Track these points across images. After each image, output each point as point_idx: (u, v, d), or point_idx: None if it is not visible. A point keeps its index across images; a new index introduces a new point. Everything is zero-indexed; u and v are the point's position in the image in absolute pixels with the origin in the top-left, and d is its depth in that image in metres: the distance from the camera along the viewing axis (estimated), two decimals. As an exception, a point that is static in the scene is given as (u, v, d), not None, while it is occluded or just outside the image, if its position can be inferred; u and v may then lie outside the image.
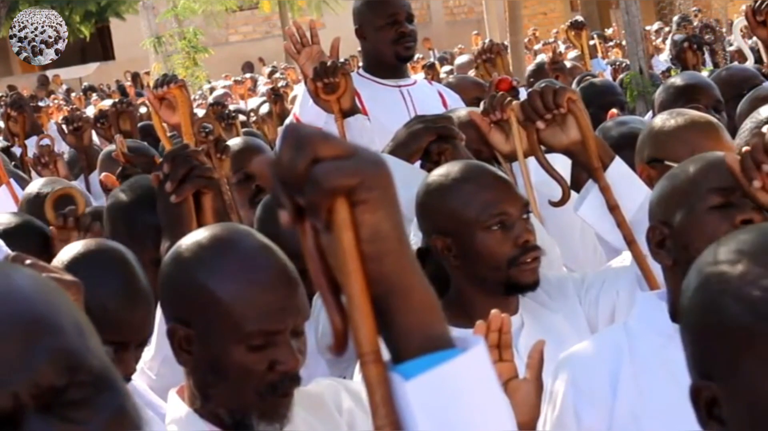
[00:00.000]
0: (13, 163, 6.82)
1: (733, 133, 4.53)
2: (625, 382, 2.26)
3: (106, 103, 13.86)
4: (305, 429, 2.12)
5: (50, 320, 1.15)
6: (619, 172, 2.85)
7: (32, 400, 1.12)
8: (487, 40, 6.36)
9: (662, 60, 12.79)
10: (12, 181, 5.45)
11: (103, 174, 4.47)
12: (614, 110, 5.20)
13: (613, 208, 2.82)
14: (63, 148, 6.96)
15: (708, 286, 1.44)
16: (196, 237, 2.13)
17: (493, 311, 2.35)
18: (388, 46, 4.78)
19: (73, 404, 1.13)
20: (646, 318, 2.31)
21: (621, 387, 2.26)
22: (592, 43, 12.00)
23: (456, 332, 1.18)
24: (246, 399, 2.05)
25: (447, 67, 12.72)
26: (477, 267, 2.69)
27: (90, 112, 14.34)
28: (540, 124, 2.86)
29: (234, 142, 4.14)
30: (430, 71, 10.61)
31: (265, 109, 8.80)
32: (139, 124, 7.33)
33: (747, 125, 3.46)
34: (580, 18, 9.28)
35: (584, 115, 2.85)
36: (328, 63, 4.27)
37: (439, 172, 2.81)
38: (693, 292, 1.47)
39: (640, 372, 2.26)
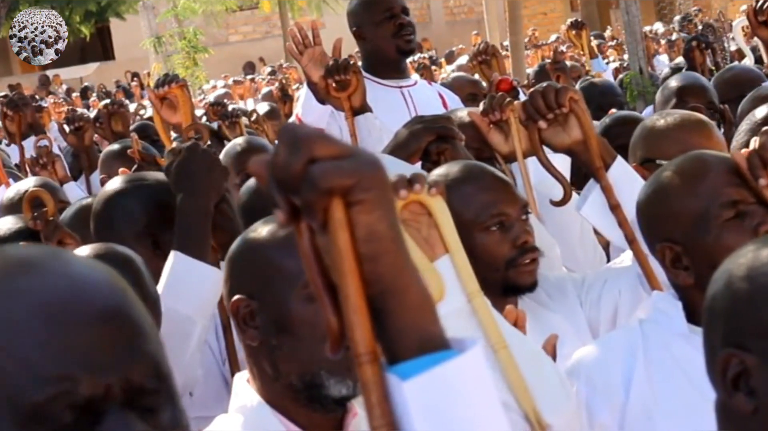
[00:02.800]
0: (14, 162, 6.83)
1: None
2: (638, 380, 2.27)
3: (105, 103, 13.85)
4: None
5: (144, 324, 1.22)
6: (621, 171, 2.85)
7: (122, 394, 1.16)
8: (482, 42, 6.38)
9: (663, 60, 12.79)
10: (11, 181, 5.46)
11: (121, 170, 4.48)
12: (613, 110, 5.22)
13: (615, 207, 2.82)
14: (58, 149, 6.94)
15: (755, 264, 1.48)
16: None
17: (509, 306, 2.36)
18: (389, 41, 4.79)
19: (148, 410, 1.18)
20: (661, 317, 2.31)
21: (634, 385, 2.27)
22: (595, 43, 12.00)
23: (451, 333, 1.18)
24: (314, 354, 2.05)
25: (451, 66, 12.68)
26: (475, 268, 2.69)
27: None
28: (542, 124, 2.86)
29: (237, 143, 4.16)
30: (426, 72, 10.61)
31: (263, 109, 8.81)
32: (135, 125, 7.32)
33: (743, 126, 3.47)
34: (579, 18, 9.29)
35: (586, 115, 2.85)
36: (340, 60, 4.29)
37: (439, 172, 2.81)
38: (733, 273, 1.50)
39: (654, 370, 2.27)
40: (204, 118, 7.35)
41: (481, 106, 3.27)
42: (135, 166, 4.37)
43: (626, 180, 2.84)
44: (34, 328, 1.16)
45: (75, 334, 1.16)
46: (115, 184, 3.09)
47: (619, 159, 2.86)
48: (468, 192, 2.74)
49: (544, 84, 2.98)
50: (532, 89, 2.94)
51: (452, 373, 1.12)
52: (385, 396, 1.10)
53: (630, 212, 2.81)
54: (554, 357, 2.41)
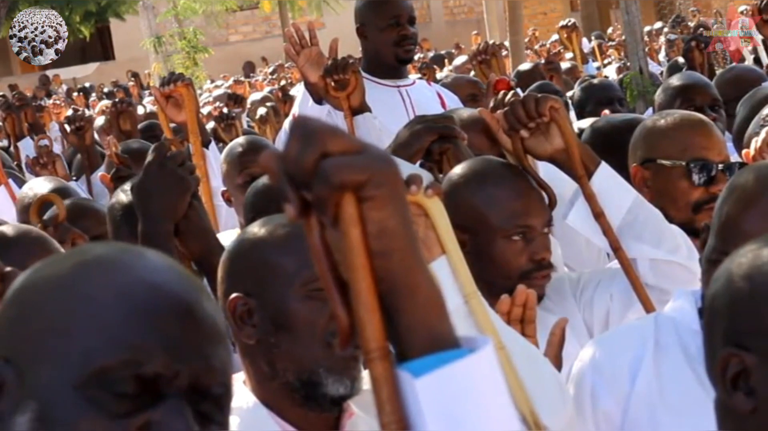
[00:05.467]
0: (15, 162, 6.84)
1: (735, 132, 4.55)
2: (645, 372, 2.26)
3: (104, 103, 13.87)
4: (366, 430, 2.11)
5: (222, 332, 1.27)
6: (605, 177, 2.83)
7: (185, 386, 1.21)
8: (482, 42, 6.39)
9: (661, 59, 12.79)
10: (11, 181, 5.47)
11: (100, 174, 4.49)
12: (606, 111, 5.23)
13: (598, 216, 2.80)
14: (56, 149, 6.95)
15: (756, 263, 1.48)
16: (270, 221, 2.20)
17: (520, 286, 2.38)
18: (389, 48, 4.79)
19: (204, 416, 1.23)
20: (676, 312, 2.31)
21: (641, 376, 2.27)
22: (591, 44, 12.00)
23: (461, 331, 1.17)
24: (312, 352, 2.06)
25: (463, 57, 12.66)
26: (488, 271, 2.69)
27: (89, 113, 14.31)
28: (523, 133, 2.85)
29: (238, 143, 4.15)
30: (427, 71, 10.62)
31: (261, 111, 8.83)
32: (143, 124, 7.33)
33: (752, 127, 3.50)
34: (572, 20, 9.28)
35: (567, 123, 2.84)
36: (339, 60, 4.29)
37: (475, 168, 2.81)
38: (733, 272, 1.50)
39: (662, 364, 2.26)
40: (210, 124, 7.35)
41: (491, 103, 3.26)
42: (114, 170, 4.37)
43: (610, 186, 2.83)
44: (120, 307, 1.21)
45: (158, 320, 1.21)
46: None
47: (603, 165, 2.84)
48: (498, 195, 2.74)
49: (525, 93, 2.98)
50: (512, 99, 2.94)
51: (465, 371, 1.11)
52: (396, 392, 1.10)
53: (615, 219, 2.80)
54: (562, 343, 2.42)
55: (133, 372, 1.19)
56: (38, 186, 4.41)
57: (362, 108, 4.32)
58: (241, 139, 4.24)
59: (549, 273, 2.76)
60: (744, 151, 3.34)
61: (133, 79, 24.17)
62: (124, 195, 3.09)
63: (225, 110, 8.30)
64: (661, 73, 9.19)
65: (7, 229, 2.84)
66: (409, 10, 4.87)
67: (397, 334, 1.13)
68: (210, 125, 7.01)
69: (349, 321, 1.12)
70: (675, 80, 4.59)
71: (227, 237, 3.16)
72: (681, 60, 7.69)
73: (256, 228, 2.17)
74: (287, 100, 8.87)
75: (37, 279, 1.27)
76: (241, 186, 3.84)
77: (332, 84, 4.30)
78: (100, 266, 1.26)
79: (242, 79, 19.85)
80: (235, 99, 9.42)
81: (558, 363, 2.40)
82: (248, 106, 10.32)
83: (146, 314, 1.21)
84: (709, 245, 2.21)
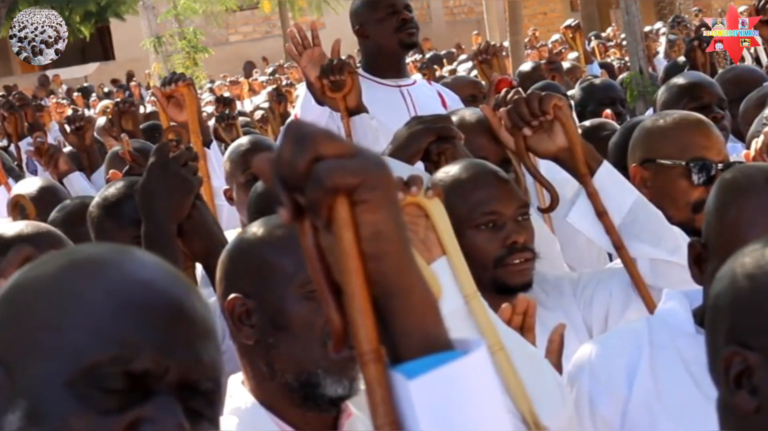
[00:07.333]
0: (15, 162, 6.85)
1: (736, 132, 4.56)
2: (642, 376, 2.27)
3: (105, 103, 13.89)
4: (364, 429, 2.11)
5: (212, 330, 1.28)
6: (607, 176, 2.84)
7: (175, 382, 1.22)
8: (483, 42, 6.39)
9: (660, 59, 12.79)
10: (11, 181, 5.48)
11: (111, 172, 4.49)
12: (608, 111, 5.24)
13: (601, 215, 2.80)
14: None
15: (760, 262, 1.48)
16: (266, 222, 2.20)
17: (520, 295, 2.38)
18: (392, 36, 4.79)
19: (194, 412, 1.23)
20: (669, 315, 2.31)
21: (638, 381, 2.27)
22: (591, 45, 12.01)
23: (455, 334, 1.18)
24: (310, 353, 2.07)
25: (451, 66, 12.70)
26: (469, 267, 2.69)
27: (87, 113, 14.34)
28: (526, 131, 2.85)
29: (241, 142, 4.16)
30: (427, 71, 10.62)
31: (259, 114, 8.83)
32: (145, 125, 7.34)
33: (754, 127, 3.50)
34: (576, 20, 9.29)
35: (570, 122, 2.85)
36: (335, 61, 4.30)
37: (444, 170, 2.81)
38: (737, 271, 1.50)
39: (659, 367, 2.26)
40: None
41: (492, 102, 3.25)
42: (126, 168, 4.37)
43: (613, 185, 2.83)
44: (109, 303, 1.23)
45: (147, 316, 1.22)
46: None
47: (605, 164, 2.84)
48: (464, 189, 2.73)
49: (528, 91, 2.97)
50: (516, 97, 2.94)
51: (458, 373, 1.12)
52: (389, 394, 1.11)
53: (616, 218, 2.80)
54: (561, 349, 2.42)
55: (123, 368, 1.20)
56: (27, 185, 4.42)
57: (359, 109, 4.32)
58: (244, 138, 4.24)
59: (528, 257, 2.72)
60: (744, 152, 3.35)
61: (133, 79, 24.19)
62: (98, 197, 3.10)
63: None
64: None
65: (24, 227, 2.87)
66: None
67: (391, 337, 1.13)
68: (210, 124, 7.02)
69: (342, 323, 1.12)
70: (680, 79, 4.58)
71: (229, 236, 3.17)
72: (681, 59, 7.69)
73: (255, 229, 2.18)
74: (281, 100, 8.87)
75: (27, 279, 1.29)
76: (244, 185, 3.86)
77: (328, 85, 4.31)
78: (89, 265, 1.27)
79: (240, 79, 19.85)
80: (224, 101, 9.42)
81: (557, 370, 2.39)
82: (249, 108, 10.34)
83: (135, 311, 1.22)
84: (711, 269, 2.17)
